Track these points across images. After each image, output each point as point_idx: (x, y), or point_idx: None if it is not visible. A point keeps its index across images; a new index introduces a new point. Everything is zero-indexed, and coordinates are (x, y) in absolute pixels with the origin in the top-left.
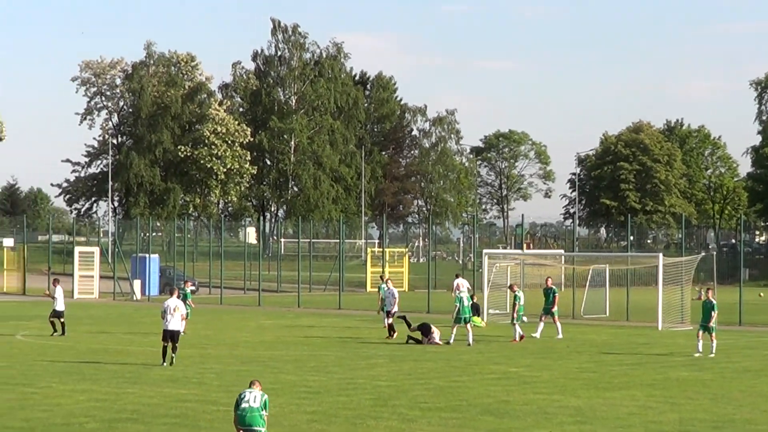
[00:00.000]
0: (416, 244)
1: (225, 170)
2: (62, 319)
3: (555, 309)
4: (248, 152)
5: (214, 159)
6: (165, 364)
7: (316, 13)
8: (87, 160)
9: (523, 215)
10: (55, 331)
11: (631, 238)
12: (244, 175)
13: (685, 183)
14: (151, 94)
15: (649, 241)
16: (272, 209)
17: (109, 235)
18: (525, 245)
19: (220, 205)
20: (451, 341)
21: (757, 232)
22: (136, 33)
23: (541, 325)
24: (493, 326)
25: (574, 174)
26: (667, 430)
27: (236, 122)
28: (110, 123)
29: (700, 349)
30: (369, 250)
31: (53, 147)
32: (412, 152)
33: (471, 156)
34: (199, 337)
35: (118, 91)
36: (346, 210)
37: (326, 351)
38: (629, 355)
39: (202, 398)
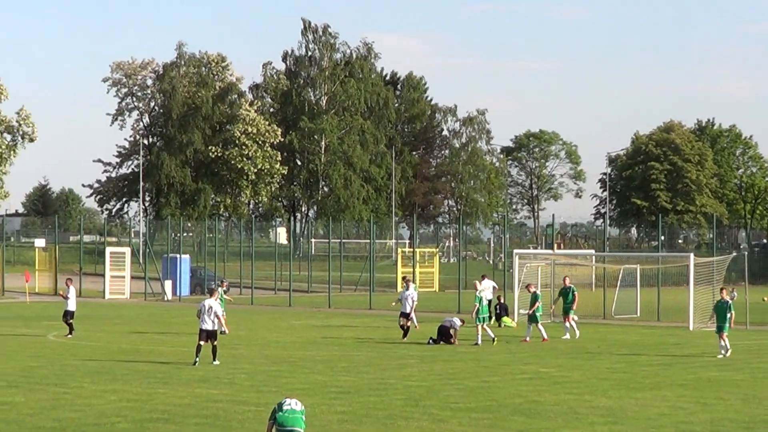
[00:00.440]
0: (447, 244)
1: (256, 170)
2: (71, 320)
3: (573, 308)
4: (279, 152)
5: (244, 159)
6: (197, 362)
7: (346, 14)
8: (118, 160)
9: (553, 215)
10: (71, 331)
11: (662, 238)
12: (275, 176)
13: (716, 183)
14: (181, 94)
15: (680, 241)
16: (303, 209)
17: (140, 235)
18: (555, 245)
19: (251, 206)
20: (479, 342)
21: None
22: (167, 34)
23: (567, 325)
24: (524, 326)
25: (604, 174)
26: (698, 431)
27: (267, 123)
28: (141, 123)
29: (724, 348)
30: (399, 250)
31: (84, 148)
32: (443, 152)
33: (501, 156)
34: (230, 337)
35: (149, 91)
36: (376, 210)
37: (357, 351)
38: (660, 355)
39: (234, 398)
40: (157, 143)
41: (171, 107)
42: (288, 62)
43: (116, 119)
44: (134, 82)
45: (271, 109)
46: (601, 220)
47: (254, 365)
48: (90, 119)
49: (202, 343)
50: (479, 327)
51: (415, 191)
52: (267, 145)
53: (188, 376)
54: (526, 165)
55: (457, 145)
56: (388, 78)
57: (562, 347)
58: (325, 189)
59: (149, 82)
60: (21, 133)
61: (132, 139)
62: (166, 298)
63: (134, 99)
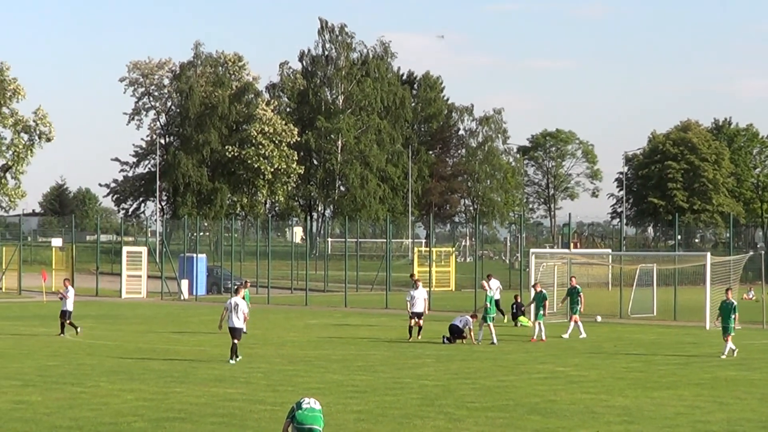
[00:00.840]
0: (463, 243)
1: (272, 170)
2: (67, 320)
3: (580, 308)
4: (295, 152)
5: (261, 159)
6: (231, 361)
7: (363, 13)
8: (135, 160)
9: (570, 214)
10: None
11: (679, 237)
12: (291, 175)
13: (733, 182)
14: (198, 94)
15: (696, 241)
16: (319, 209)
17: (157, 234)
18: (572, 244)
19: (267, 205)
20: (495, 341)
21: None
22: (183, 33)
23: (575, 325)
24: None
25: (621, 173)
26: (714, 430)
27: (283, 122)
28: (158, 123)
29: (731, 350)
30: (416, 249)
31: (101, 147)
32: (459, 152)
33: (518, 155)
34: (246, 336)
35: (165, 91)
36: (392, 209)
37: (373, 350)
38: (677, 354)
39: (250, 398)
40: (174, 143)
41: (188, 107)
42: (305, 62)
43: (133, 119)
44: (151, 82)
45: (288, 109)
46: (618, 220)
47: (270, 364)
48: (107, 119)
49: (234, 340)
50: (491, 326)
51: (431, 190)
52: (283, 144)
53: (205, 375)
54: (543, 164)
55: (474, 145)
56: (404, 77)
57: (579, 347)
58: (342, 188)
59: (166, 81)
60: (38, 132)
61: (149, 138)
62: (182, 298)
63: (151, 98)
